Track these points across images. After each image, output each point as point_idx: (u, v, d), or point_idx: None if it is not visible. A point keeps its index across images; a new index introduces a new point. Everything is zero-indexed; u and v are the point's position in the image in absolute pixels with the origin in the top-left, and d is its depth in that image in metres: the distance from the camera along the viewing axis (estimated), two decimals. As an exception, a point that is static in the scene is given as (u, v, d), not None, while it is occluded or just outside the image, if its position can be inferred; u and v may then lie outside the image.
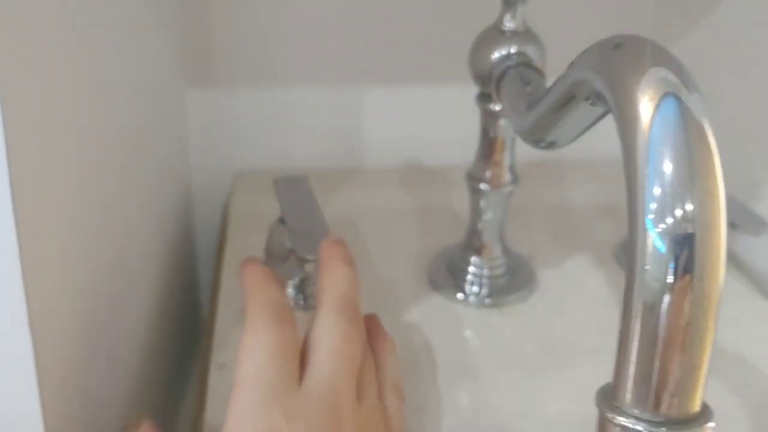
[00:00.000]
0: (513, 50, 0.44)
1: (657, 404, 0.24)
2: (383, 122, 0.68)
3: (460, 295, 0.51)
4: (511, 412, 0.43)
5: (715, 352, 0.47)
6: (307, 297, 0.49)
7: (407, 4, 0.64)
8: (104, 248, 0.40)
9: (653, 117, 0.24)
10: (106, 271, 0.40)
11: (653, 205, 0.23)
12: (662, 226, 0.23)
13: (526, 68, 0.44)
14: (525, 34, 0.45)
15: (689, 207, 0.23)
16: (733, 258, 0.57)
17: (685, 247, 0.23)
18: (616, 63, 0.26)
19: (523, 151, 0.46)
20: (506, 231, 0.52)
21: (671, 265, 0.23)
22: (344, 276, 0.35)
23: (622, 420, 0.24)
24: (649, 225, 0.23)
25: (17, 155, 0.27)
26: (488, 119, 0.48)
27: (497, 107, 0.46)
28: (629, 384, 0.24)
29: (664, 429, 0.24)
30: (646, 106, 0.24)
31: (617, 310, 0.25)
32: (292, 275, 0.49)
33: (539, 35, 0.45)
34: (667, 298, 0.23)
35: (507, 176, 0.49)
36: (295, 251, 0.45)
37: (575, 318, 0.50)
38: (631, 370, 0.24)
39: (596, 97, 0.30)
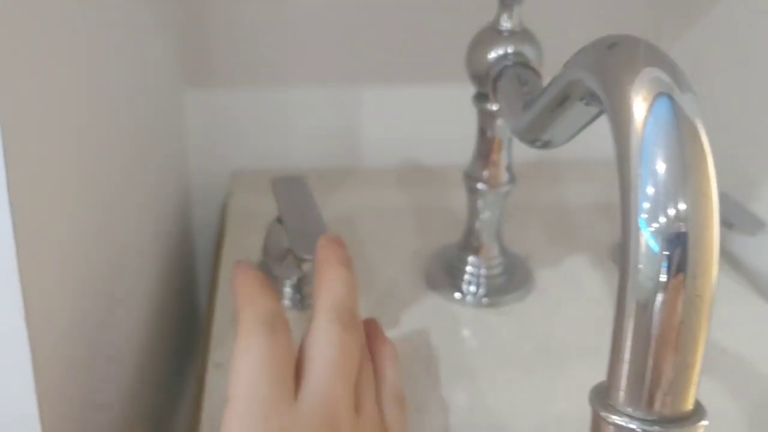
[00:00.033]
0: (510, 50, 0.45)
1: (650, 403, 0.24)
2: (381, 122, 0.68)
3: (457, 295, 0.51)
4: (508, 412, 0.43)
5: (712, 351, 0.48)
6: (304, 296, 0.49)
7: (405, 5, 0.64)
8: (102, 248, 0.40)
9: (646, 117, 0.24)
10: (105, 271, 0.40)
11: (646, 205, 0.23)
12: (655, 225, 0.23)
13: (522, 68, 0.44)
14: (522, 34, 0.45)
15: (682, 206, 0.23)
16: (729, 258, 0.57)
17: (678, 246, 0.23)
18: (609, 63, 0.26)
19: (521, 151, 0.47)
20: (503, 231, 0.52)
21: (664, 264, 0.23)
22: (341, 280, 0.34)
23: (615, 419, 0.24)
24: (642, 224, 0.23)
25: (15, 155, 0.27)
26: (485, 119, 0.48)
27: (494, 107, 0.47)
28: (623, 383, 0.24)
29: (657, 427, 0.24)
30: (639, 105, 0.24)
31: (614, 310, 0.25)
32: (289, 275, 0.49)
33: (536, 35, 0.46)
34: (660, 297, 0.23)
35: (504, 176, 0.49)
36: (292, 251, 0.45)
37: (572, 318, 0.50)
38: (625, 368, 0.24)
39: (590, 97, 0.30)
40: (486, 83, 0.45)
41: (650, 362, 0.23)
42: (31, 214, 0.29)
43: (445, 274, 0.52)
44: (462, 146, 0.52)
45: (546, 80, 0.35)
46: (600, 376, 0.26)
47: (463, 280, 0.51)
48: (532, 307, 0.51)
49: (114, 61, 0.43)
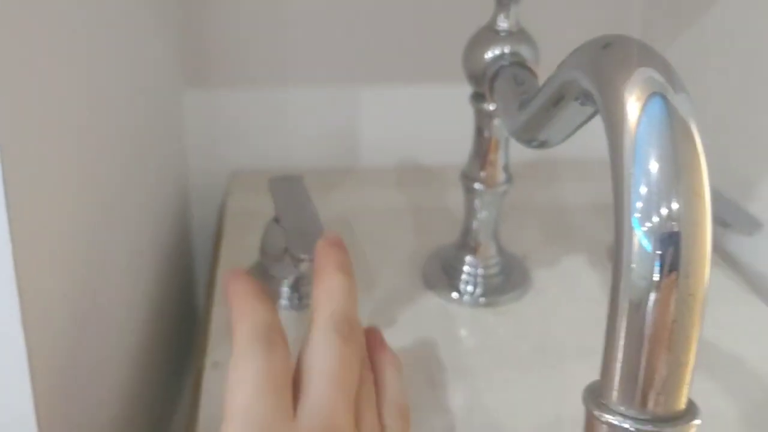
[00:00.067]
0: (506, 50, 0.45)
1: (643, 402, 0.24)
2: (379, 122, 0.68)
3: (454, 295, 0.51)
4: (505, 412, 0.43)
5: (709, 351, 0.48)
6: (302, 296, 0.49)
7: (403, 5, 0.64)
8: (101, 248, 0.40)
9: (640, 116, 0.24)
10: (102, 271, 0.40)
11: (639, 204, 0.23)
12: (648, 224, 0.23)
13: (519, 68, 0.44)
14: (518, 34, 0.45)
15: (675, 206, 0.23)
16: (726, 257, 0.57)
17: (671, 245, 0.23)
18: (603, 63, 0.26)
19: (518, 151, 0.47)
20: (501, 230, 0.52)
21: (657, 264, 0.23)
22: (340, 287, 0.32)
23: (608, 417, 0.24)
24: (635, 223, 0.23)
25: (13, 155, 0.27)
26: (482, 119, 0.48)
27: (491, 107, 0.47)
28: (616, 382, 0.24)
29: (650, 426, 0.24)
30: (633, 105, 0.24)
31: (611, 310, 0.25)
32: (286, 274, 0.49)
33: (533, 35, 0.46)
34: (653, 296, 0.23)
35: (501, 176, 0.49)
36: (289, 250, 0.45)
37: (569, 317, 0.50)
38: (618, 367, 0.24)
39: (585, 97, 0.30)
40: (483, 83, 0.45)
41: (643, 361, 0.23)
42: (29, 214, 0.29)
43: (442, 273, 0.53)
44: (460, 146, 0.52)
45: (542, 80, 0.35)
46: (597, 375, 0.26)
47: (460, 279, 0.51)
48: (529, 306, 0.51)
49: (114, 61, 0.43)
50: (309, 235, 0.45)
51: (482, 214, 0.50)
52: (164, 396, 0.57)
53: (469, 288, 0.51)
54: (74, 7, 0.35)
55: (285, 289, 0.49)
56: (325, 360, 0.30)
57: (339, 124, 0.68)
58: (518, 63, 0.44)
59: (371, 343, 0.34)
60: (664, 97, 0.24)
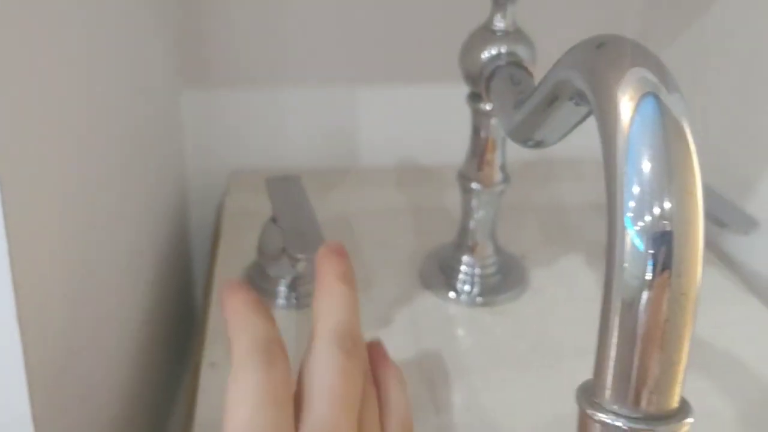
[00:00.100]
0: (503, 50, 0.45)
1: (636, 400, 0.24)
2: (377, 122, 0.68)
3: (451, 294, 0.51)
4: (502, 411, 0.43)
5: (706, 351, 0.48)
6: (299, 296, 0.50)
7: (400, 5, 0.64)
8: (98, 248, 0.40)
9: (633, 116, 0.24)
10: (100, 271, 0.40)
11: (632, 204, 0.23)
12: (641, 224, 0.23)
13: (515, 68, 0.44)
14: (515, 34, 0.45)
15: (667, 205, 0.23)
16: (723, 257, 0.57)
17: (663, 244, 0.23)
18: (597, 62, 0.26)
19: (515, 151, 0.47)
20: (498, 230, 0.52)
21: (649, 263, 0.23)
22: (342, 299, 0.31)
23: (601, 416, 0.24)
24: (627, 223, 0.23)
25: (8, 154, 0.27)
26: (479, 119, 0.48)
27: (488, 107, 0.47)
28: (609, 380, 0.24)
29: (643, 425, 0.24)
30: (626, 105, 0.24)
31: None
32: (284, 274, 0.49)
33: (530, 35, 0.46)
34: (645, 295, 0.23)
35: (498, 175, 0.49)
36: (287, 250, 0.45)
37: (567, 317, 0.50)
38: (611, 366, 0.24)
39: (579, 97, 0.30)
40: (479, 83, 0.45)
41: (636, 360, 0.23)
42: (26, 213, 0.29)
43: (439, 273, 0.53)
44: (458, 146, 0.52)
45: (539, 80, 0.36)
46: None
47: (457, 279, 0.52)
48: (526, 306, 0.51)
49: (113, 61, 0.43)
50: (306, 235, 0.45)
51: (479, 214, 0.50)
52: (162, 396, 0.57)
53: (467, 287, 0.51)
54: (74, 7, 0.35)
55: (282, 289, 0.50)
56: (327, 375, 0.29)
57: (336, 125, 0.68)
58: (515, 63, 0.44)
59: (374, 357, 0.34)
60: (657, 97, 0.24)
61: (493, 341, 0.48)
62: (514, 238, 0.56)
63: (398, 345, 0.46)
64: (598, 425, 0.24)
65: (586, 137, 0.36)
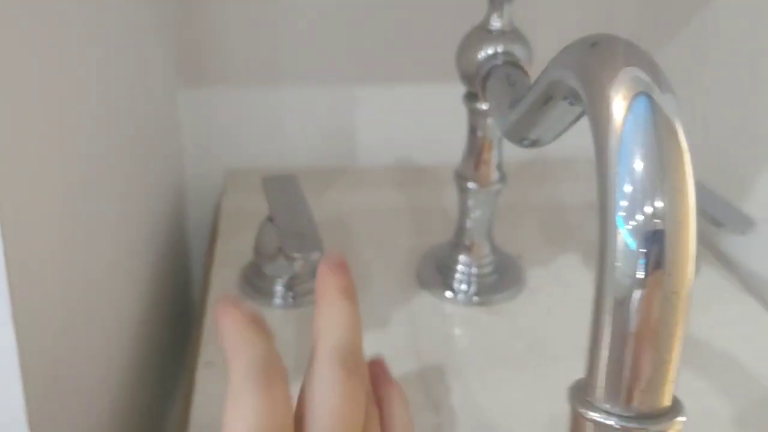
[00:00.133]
0: (499, 49, 0.45)
1: (628, 399, 0.24)
2: (374, 121, 0.68)
3: (448, 294, 0.51)
4: (498, 410, 0.43)
5: (703, 350, 0.48)
6: (296, 295, 0.50)
7: (398, 5, 0.64)
8: (95, 248, 0.40)
9: (625, 116, 0.24)
10: (98, 271, 0.40)
11: (624, 203, 0.23)
12: (632, 223, 0.23)
13: (512, 67, 0.44)
14: (511, 34, 0.45)
15: (659, 204, 0.23)
16: (719, 256, 0.57)
17: (655, 243, 0.23)
18: (590, 62, 0.26)
19: (512, 151, 0.47)
20: (495, 230, 0.52)
21: (641, 262, 0.23)
22: (343, 316, 0.30)
23: (594, 415, 0.24)
24: (619, 222, 0.23)
25: (5, 153, 0.27)
26: (476, 118, 0.48)
27: (484, 106, 0.47)
28: (601, 379, 0.24)
29: (635, 423, 0.24)
30: (618, 104, 0.24)
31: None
32: (280, 273, 0.49)
33: (526, 35, 0.46)
34: (637, 294, 0.23)
35: (495, 175, 0.49)
36: (283, 249, 0.45)
37: (563, 316, 0.50)
38: (603, 365, 0.24)
39: (573, 96, 0.30)
40: (475, 83, 0.45)
41: (628, 359, 0.24)
42: (21, 213, 0.29)
43: (436, 272, 0.53)
44: (455, 145, 0.52)
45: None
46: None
47: (454, 278, 0.52)
48: (522, 305, 0.51)
49: (112, 61, 0.43)
50: (303, 235, 0.45)
51: (476, 213, 0.50)
52: (159, 395, 0.57)
53: (463, 287, 0.51)
54: (74, 7, 0.35)
55: (279, 288, 0.50)
56: (329, 395, 0.28)
57: (333, 124, 0.68)
58: (511, 62, 0.44)
59: (376, 375, 0.33)
60: (649, 97, 0.24)
61: (490, 340, 0.48)
62: (510, 238, 0.56)
63: (395, 344, 0.47)
64: (590, 424, 0.24)
65: (582, 137, 0.36)
